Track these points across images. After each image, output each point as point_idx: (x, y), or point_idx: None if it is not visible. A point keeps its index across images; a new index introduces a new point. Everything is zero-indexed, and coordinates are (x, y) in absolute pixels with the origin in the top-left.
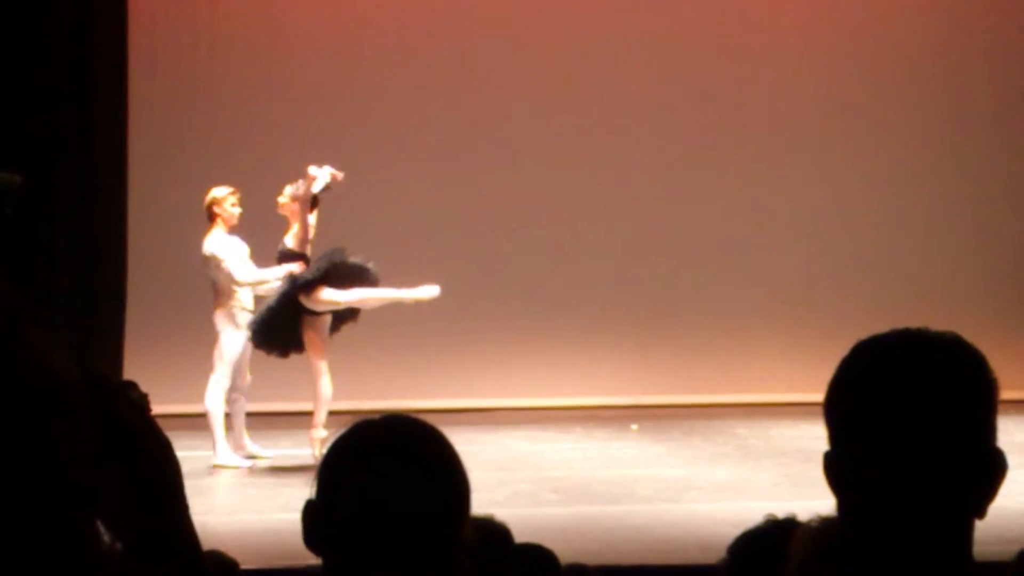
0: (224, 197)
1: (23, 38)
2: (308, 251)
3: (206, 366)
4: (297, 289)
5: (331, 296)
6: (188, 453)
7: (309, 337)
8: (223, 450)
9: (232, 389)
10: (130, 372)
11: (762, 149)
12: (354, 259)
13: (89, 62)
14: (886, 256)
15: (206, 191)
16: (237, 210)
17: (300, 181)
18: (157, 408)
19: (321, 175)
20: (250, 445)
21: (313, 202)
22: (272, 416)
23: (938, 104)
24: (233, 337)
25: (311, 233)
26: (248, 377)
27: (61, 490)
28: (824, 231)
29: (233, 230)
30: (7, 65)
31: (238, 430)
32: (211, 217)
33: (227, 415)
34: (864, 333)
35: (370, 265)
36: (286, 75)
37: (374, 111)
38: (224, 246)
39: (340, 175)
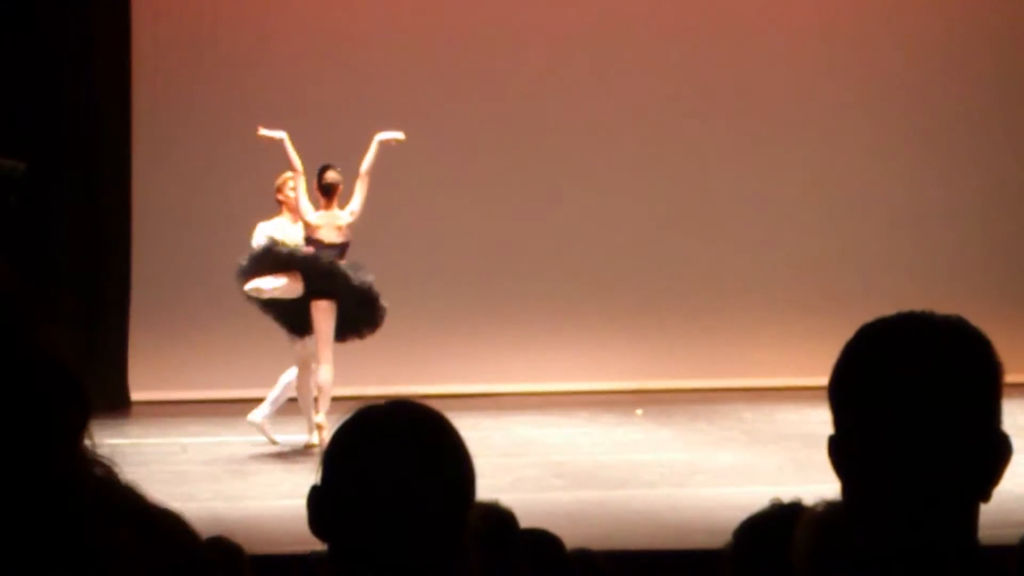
0: (283, 182)
1: (27, 27)
2: (317, 235)
3: (210, 353)
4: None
5: (253, 284)
6: (192, 440)
7: (315, 324)
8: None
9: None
10: (134, 359)
11: (768, 135)
12: (285, 248)
13: (93, 49)
14: (891, 240)
15: (209, 180)
16: (294, 195)
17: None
18: (161, 395)
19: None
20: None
21: (325, 190)
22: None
23: (945, 90)
24: None
25: (338, 218)
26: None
27: (72, 477)
28: (829, 215)
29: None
30: (11, 55)
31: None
32: (278, 204)
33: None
34: (869, 317)
35: (316, 254)
36: (292, 66)
37: (385, 99)
38: (260, 234)
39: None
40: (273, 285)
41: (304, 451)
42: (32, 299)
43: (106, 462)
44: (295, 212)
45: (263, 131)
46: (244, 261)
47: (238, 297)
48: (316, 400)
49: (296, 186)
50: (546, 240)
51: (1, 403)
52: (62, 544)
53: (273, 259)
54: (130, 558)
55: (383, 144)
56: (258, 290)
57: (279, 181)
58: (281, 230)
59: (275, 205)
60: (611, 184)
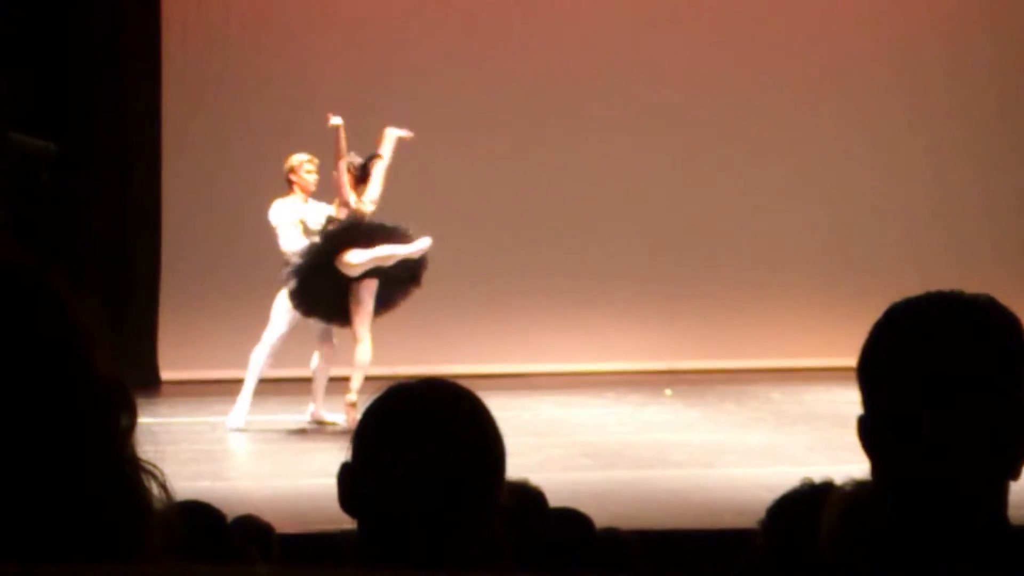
0: (300, 164)
1: (57, 8)
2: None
3: (240, 332)
4: (318, 255)
5: (351, 258)
6: (222, 419)
7: (353, 302)
8: (236, 409)
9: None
10: (164, 338)
11: (798, 110)
12: (377, 220)
13: (122, 25)
14: (921, 220)
15: (238, 159)
16: (313, 177)
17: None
18: (191, 374)
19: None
20: (320, 411)
21: (362, 173)
22: (305, 382)
23: (977, 71)
24: (280, 298)
25: (364, 205)
26: (331, 342)
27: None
28: (859, 194)
29: (313, 196)
30: (40, 35)
31: (314, 394)
32: (288, 184)
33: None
34: (898, 296)
35: (397, 225)
36: (320, 46)
37: (413, 79)
38: (281, 214)
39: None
40: (364, 258)
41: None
42: (88, 315)
43: (149, 466)
44: (308, 192)
45: (334, 119)
46: (328, 236)
47: (267, 276)
48: (348, 378)
49: (341, 170)
50: (576, 220)
51: (71, 414)
52: (120, 531)
53: (373, 231)
54: (173, 534)
55: (399, 140)
56: (350, 266)
57: (294, 163)
58: (304, 211)
59: (283, 184)
60: (640, 165)
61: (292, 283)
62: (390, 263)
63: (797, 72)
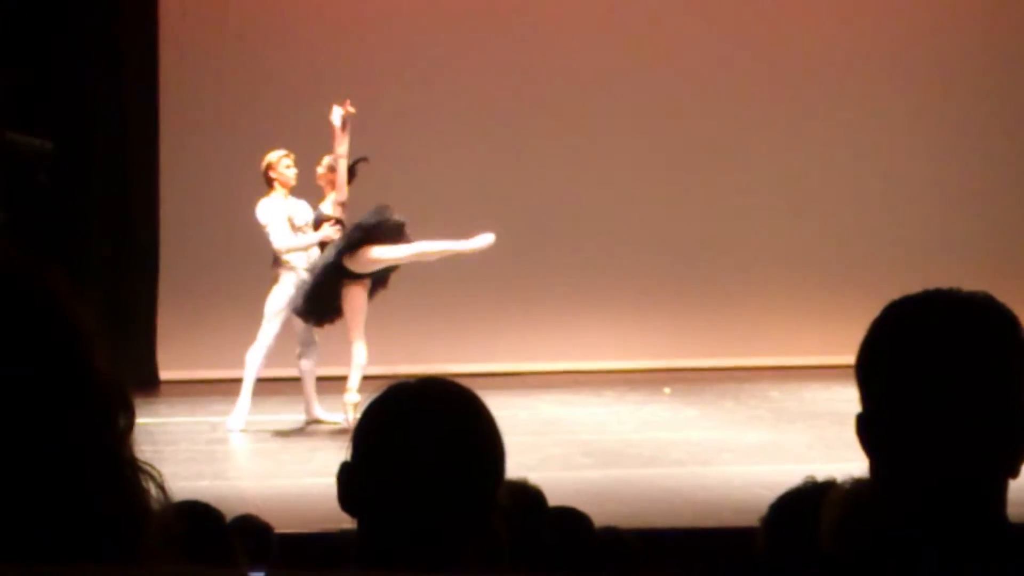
0: (278, 160)
1: (53, 7)
2: (342, 215)
3: (238, 332)
4: (346, 250)
5: (380, 254)
6: (221, 419)
7: (349, 301)
8: (236, 411)
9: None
10: (163, 339)
11: (797, 109)
12: (397, 216)
13: (120, 25)
14: (919, 217)
15: (236, 157)
16: (292, 172)
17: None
18: (190, 374)
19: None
20: (317, 410)
21: (350, 174)
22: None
23: (983, 68)
24: (274, 297)
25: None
26: (315, 340)
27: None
28: (858, 192)
29: (293, 192)
30: (38, 34)
31: (305, 394)
32: (268, 182)
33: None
34: (896, 294)
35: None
36: (317, 41)
37: (412, 76)
38: (269, 211)
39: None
40: (403, 253)
41: (304, 430)
42: (87, 315)
43: (147, 467)
44: (289, 188)
45: (349, 108)
46: (361, 228)
47: (265, 276)
48: (346, 377)
49: (342, 168)
50: (575, 219)
51: (69, 414)
52: (119, 526)
53: (393, 228)
54: (172, 534)
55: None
56: (376, 261)
57: (271, 159)
58: (288, 207)
59: (262, 183)
60: (638, 164)
61: (314, 279)
62: (430, 259)
63: (796, 71)
